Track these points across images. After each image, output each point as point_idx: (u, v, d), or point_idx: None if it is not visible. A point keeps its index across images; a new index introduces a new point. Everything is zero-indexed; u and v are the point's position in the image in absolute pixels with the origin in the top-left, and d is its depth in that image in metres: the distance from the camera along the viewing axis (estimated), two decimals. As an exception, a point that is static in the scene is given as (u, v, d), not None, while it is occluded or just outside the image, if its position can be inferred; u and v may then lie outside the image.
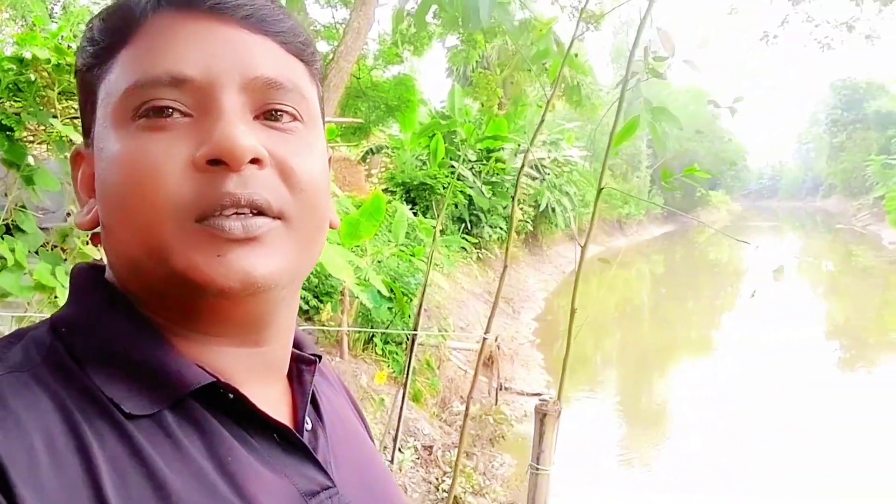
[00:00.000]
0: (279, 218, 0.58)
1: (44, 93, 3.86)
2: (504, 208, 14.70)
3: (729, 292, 18.55)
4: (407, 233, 8.62)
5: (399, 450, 5.14)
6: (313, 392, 0.70)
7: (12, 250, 3.21)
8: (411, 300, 7.36)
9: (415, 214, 11.59)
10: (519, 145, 15.01)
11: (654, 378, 10.59)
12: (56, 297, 3.21)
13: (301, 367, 0.71)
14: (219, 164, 0.55)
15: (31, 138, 4.24)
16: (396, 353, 7.23)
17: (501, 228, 14.69)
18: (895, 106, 45.08)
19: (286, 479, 0.59)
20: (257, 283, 0.56)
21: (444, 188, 13.20)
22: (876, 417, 7.72)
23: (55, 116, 3.74)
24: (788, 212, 60.06)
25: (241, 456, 0.57)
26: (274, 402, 0.65)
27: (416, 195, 13.53)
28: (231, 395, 0.59)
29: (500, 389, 7.67)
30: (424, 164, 14.38)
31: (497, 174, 15.12)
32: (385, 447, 4.97)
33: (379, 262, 7.74)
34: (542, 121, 3.21)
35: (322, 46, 13.57)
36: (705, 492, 6.24)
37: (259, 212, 0.57)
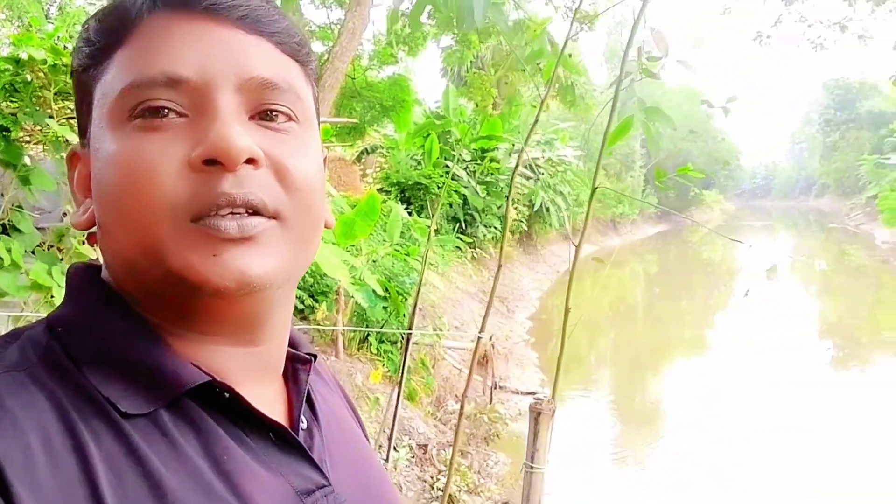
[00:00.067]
0: (275, 218, 0.58)
1: (40, 93, 3.85)
2: (498, 208, 14.71)
3: (722, 291, 18.59)
4: (402, 232, 8.63)
5: (394, 448, 5.14)
6: (309, 391, 0.70)
7: (9, 250, 3.20)
8: (406, 299, 7.36)
9: (409, 214, 11.60)
10: (513, 145, 15.01)
11: (648, 377, 10.62)
12: (52, 296, 3.20)
13: (296, 366, 0.71)
14: (214, 164, 0.56)
15: (27, 138, 4.23)
16: (391, 353, 7.24)
17: (496, 228, 14.70)
18: (888, 106, 45.18)
19: (282, 478, 0.60)
20: (253, 282, 0.56)
21: (438, 188, 13.21)
22: (869, 416, 7.76)
23: (51, 117, 3.73)
24: (782, 211, 60.21)
25: (236, 455, 0.57)
26: (269, 401, 0.65)
27: (411, 195, 13.53)
28: (227, 395, 0.59)
29: (495, 388, 7.68)
30: (419, 163, 14.38)
31: (491, 174, 15.13)
32: (380, 446, 4.97)
33: (374, 261, 7.74)
34: (536, 121, 3.21)
35: (317, 47, 13.56)
36: (698, 490, 6.25)
37: (254, 212, 0.57)
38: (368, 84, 14.65)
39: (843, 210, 44.72)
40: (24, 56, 3.76)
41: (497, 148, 15.64)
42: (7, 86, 3.78)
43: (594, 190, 2.86)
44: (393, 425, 4.84)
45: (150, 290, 0.59)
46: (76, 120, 0.67)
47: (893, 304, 16.80)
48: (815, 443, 7.11)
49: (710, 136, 42.92)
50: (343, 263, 5.84)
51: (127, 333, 0.59)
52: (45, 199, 4.05)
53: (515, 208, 15.84)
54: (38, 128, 4.01)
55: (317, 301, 7.24)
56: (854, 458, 6.68)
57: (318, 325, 6.89)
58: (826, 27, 13.66)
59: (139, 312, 0.60)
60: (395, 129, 15.88)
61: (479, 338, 3.69)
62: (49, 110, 3.82)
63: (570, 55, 3.32)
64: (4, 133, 3.48)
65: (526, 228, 17.39)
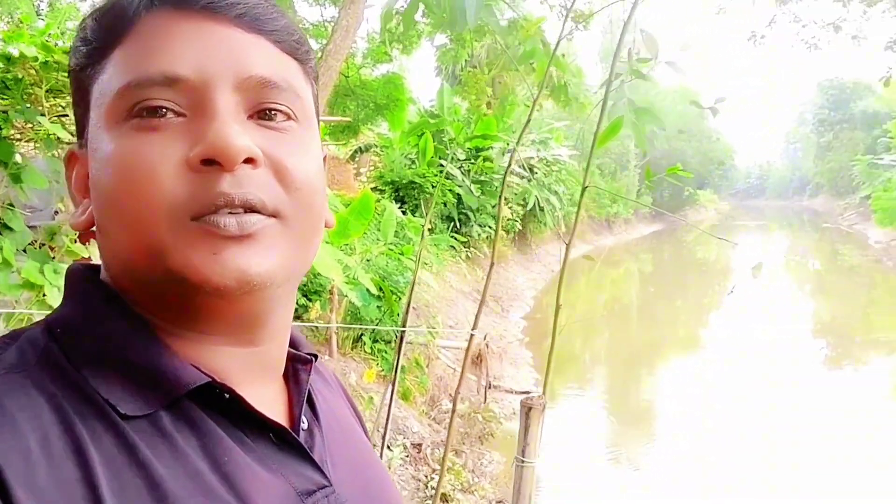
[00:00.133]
0: (274, 216, 0.58)
1: (31, 90, 3.83)
2: (493, 207, 14.71)
3: (716, 291, 18.63)
4: (396, 231, 8.62)
5: (388, 447, 5.15)
6: (309, 391, 0.70)
7: (0, 248, 3.20)
8: (400, 298, 7.36)
9: (403, 213, 11.59)
10: (507, 144, 15.02)
11: (642, 376, 10.64)
12: (44, 295, 3.19)
13: (297, 366, 0.71)
14: (213, 164, 0.55)
15: (18, 136, 4.21)
16: (385, 352, 7.24)
17: (490, 227, 14.70)
18: (881, 106, 45.32)
19: (282, 479, 0.59)
20: (252, 281, 0.56)
21: (432, 187, 13.21)
22: (862, 415, 7.79)
23: (43, 114, 3.72)
24: (776, 211, 60.42)
25: (237, 456, 0.57)
26: (270, 401, 0.65)
27: (405, 194, 13.53)
28: (227, 395, 0.59)
29: (489, 387, 7.67)
30: (413, 162, 14.37)
31: (486, 173, 15.14)
32: (374, 445, 4.96)
33: (368, 260, 7.74)
34: (529, 120, 3.21)
35: (311, 44, 13.50)
36: (692, 488, 6.27)
37: (253, 211, 0.56)
38: (362, 82, 14.61)
39: (836, 210, 44.91)
40: (14, 53, 3.74)
41: (492, 147, 15.66)
42: (-2, 83, 3.77)
43: (584, 189, 2.86)
44: (387, 424, 4.83)
45: (149, 290, 0.59)
46: (72, 119, 0.66)
47: (886, 304, 16.89)
48: (808, 441, 7.13)
49: (704, 136, 43.05)
50: (337, 262, 5.84)
51: (126, 334, 0.58)
52: (37, 196, 4.04)
53: (510, 207, 15.85)
54: (30, 125, 3.99)
55: (310, 300, 7.23)
56: (847, 457, 6.71)
57: (312, 323, 6.88)
58: (820, 27, 13.69)
59: (138, 313, 0.60)
60: (390, 128, 15.87)
61: (472, 336, 3.68)
62: (40, 107, 3.80)
63: (562, 55, 3.32)
64: (-5, 131, 3.47)
65: (520, 228, 17.41)
